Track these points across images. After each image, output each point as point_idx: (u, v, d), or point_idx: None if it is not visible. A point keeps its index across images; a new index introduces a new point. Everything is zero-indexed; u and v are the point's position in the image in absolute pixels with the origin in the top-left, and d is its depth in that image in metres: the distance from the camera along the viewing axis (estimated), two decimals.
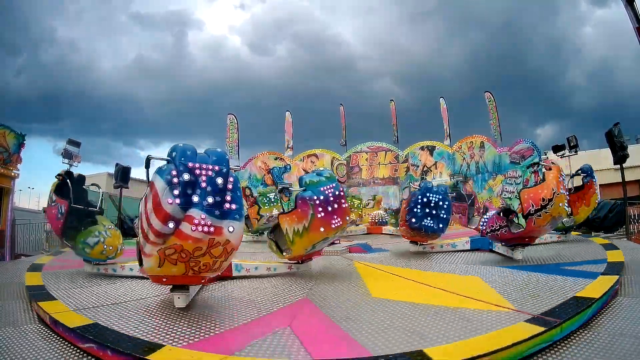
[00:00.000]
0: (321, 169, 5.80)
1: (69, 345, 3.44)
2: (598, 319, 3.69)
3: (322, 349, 3.08)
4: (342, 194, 5.66)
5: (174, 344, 3.17)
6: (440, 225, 7.55)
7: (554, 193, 5.86)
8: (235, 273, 5.94)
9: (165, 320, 3.83)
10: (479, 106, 18.62)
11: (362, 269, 6.55)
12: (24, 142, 9.73)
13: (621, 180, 12.80)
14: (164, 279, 4.11)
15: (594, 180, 8.92)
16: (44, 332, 3.78)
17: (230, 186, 3.86)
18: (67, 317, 3.80)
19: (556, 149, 15.96)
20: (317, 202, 5.35)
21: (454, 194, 15.68)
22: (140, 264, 4.13)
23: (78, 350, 3.32)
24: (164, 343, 3.16)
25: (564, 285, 4.61)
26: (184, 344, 3.19)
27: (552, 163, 6.56)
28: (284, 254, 6.10)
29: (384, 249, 9.19)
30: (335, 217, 5.44)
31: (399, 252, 8.35)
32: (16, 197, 11.87)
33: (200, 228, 3.58)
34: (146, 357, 2.86)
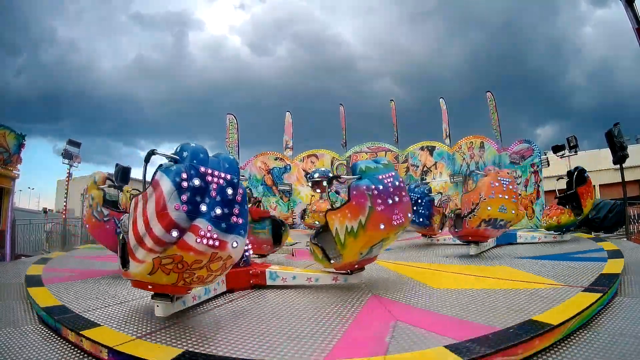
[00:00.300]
0: (377, 157, 5.06)
1: (70, 345, 3.44)
2: (598, 318, 3.70)
3: (457, 332, 3.20)
4: (402, 185, 4.75)
5: None
6: (421, 219, 9.26)
7: (481, 198, 6.81)
8: (269, 282, 5.34)
9: (267, 340, 3.33)
10: (479, 106, 18.64)
11: (391, 267, 6.68)
12: (24, 142, 9.73)
13: (621, 180, 12.82)
14: (150, 286, 3.68)
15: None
16: (45, 333, 3.78)
17: (239, 198, 3.56)
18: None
19: (556, 149, 15.98)
20: (376, 192, 4.42)
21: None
22: (123, 265, 3.68)
23: (79, 351, 3.32)
24: None
25: (585, 267, 5.59)
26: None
27: (490, 170, 7.35)
28: (332, 262, 4.95)
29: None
30: (397, 211, 4.54)
31: (400, 249, 8.89)
32: (16, 197, 11.88)
33: (205, 240, 3.25)
34: None
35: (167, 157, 3.39)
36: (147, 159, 3.44)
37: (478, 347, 2.88)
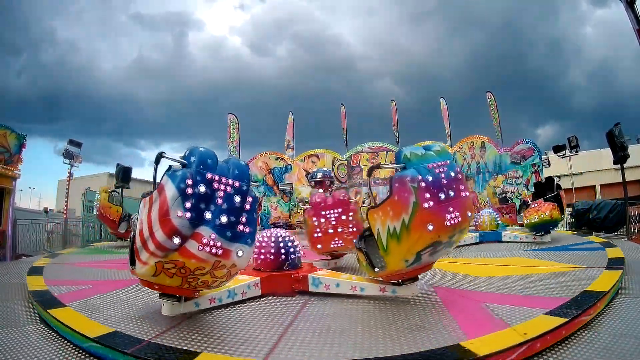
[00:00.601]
0: (429, 144, 4.03)
1: (71, 346, 3.45)
2: (599, 319, 3.70)
3: (541, 304, 3.88)
4: (460, 176, 3.80)
5: None
6: None
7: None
8: (311, 288, 4.86)
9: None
10: (480, 106, 18.63)
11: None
12: (25, 142, 9.74)
13: (622, 180, 12.81)
14: (156, 286, 3.65)
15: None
16: (46, 333, 3.78)
17: (247, 206, 3.46)
18: None
19: (557, 149, 16.00)
20: (424, 184, 3.54)
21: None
22: (131, 263, 3.66)
23: (80, 351, 3.32)
24: None
25: (591, 254, 6.40)
26: None
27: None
28: (376, 269, 4.25)
29: None
30: (451, 209, 3.60)
31: None
32: (17, 197, 11.89)
33: (207, 249, 3.19)
34: None
35: (175, 161, 3.33)
36: (156, 161, 3.32)
37: (568, 311, 3.56)
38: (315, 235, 6.34)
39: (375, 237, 3.90)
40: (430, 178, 3.56)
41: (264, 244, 5.19)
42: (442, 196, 3.56)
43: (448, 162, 3.82)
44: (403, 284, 4.29)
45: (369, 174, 4.34)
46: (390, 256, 3.85)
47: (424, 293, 4.61)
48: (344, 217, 6.25)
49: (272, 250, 5.13)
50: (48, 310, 4.07)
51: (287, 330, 3.55)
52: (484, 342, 2.99)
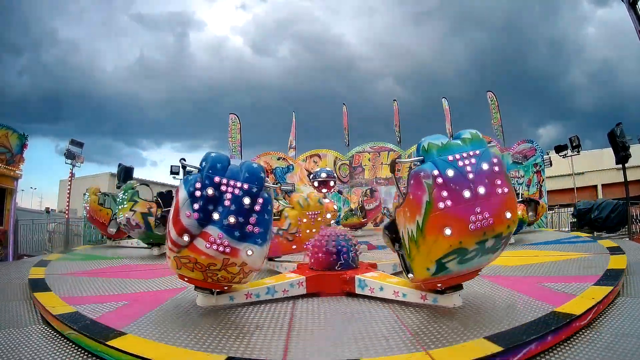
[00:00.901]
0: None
1: (72, 346, 3.44)
2: (601, 318, 3.69)
3: (579, 280, 4.67)
4: (497, 169, 3.21)
5: None
6: None
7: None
8: (358, 290, 4.63)
9: None
10: (482, 106, 18.60)
11: None
12: (27, 142, 9.76)
13: (623, 180, 12.79)
14: (185, 279, 3.97)
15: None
16: (48, 333, 3.78)
17: (257, 207, 3.55)
18: None
19: (558, 149, 15.97)
20: (440, 180, 3.11)
21: None
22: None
23: (81, 351, 3.32)
24: None
25: (588, 245, 7.30)
26: None
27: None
28: (409, 275, 3.88)
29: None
30: (479, 210, 3.08)
31: None
32: (19, 197, 11.92)
33: (215, 247, 3.41)
34: None
35: (192, 167, 3.61)
36: (183, 167, 3.60)
37: (608, 282, 4.46)
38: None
39: (402, 239, 3.60)
40: (450, 173, 3.09)
41: (317, 243, 5.18)
42: (467, 194, 3.06)
43: (479, 151, 3.23)
44: (445, 292, 3.84)
45: (392, 169, 4.10)
46: (413, 262, 3.55)
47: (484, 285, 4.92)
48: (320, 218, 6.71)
49: (324, 249, 5.04)
50: (108, 343, 3.14)
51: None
52: (570, 307, 3.62)
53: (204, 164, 3.55)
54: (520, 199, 9.94)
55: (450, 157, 3.20)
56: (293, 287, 4.68)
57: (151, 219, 8.82)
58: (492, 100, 17.97)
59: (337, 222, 16.28)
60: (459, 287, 3.84)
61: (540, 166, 15.36)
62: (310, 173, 18.21)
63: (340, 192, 16.28)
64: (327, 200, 11.27)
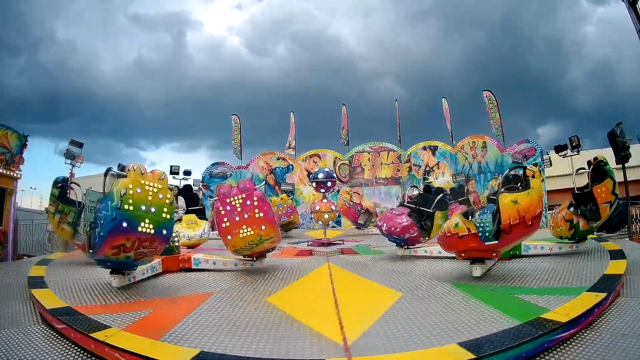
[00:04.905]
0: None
1: (73, 345, 3.45)
2: (601, 318, 3.69)
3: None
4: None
5: None
6: None
7: None
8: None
9: None
10: (482, 105, 18.56)
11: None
12: (27, 142, 9.76)
13: (623, 180, 12.78)
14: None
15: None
16: (48, 333, 3.79)
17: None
18: None
19: (558, 148, 15.94)
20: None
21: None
22: None
23: (82, 351, 3.33)
24: None
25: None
26: None
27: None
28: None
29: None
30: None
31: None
32: (18, 197, 11.90)
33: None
34: None
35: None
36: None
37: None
38: (224, 224, 6.03)
39: None
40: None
41: None
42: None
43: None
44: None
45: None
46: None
47: None
48: (248, 202, 5.92)
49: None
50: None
51: None
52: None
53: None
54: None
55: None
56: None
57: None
58: (489, 100, 17.94)
59: (338, 223, 16.34)
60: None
61: (540, 166, 15.35)
62: (310, 173, 18.23)
63: (340, 192, 16.28)
64: (325, 201, 11.31)
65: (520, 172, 5.58)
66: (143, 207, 4.77)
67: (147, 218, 4.80)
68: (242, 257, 6.61)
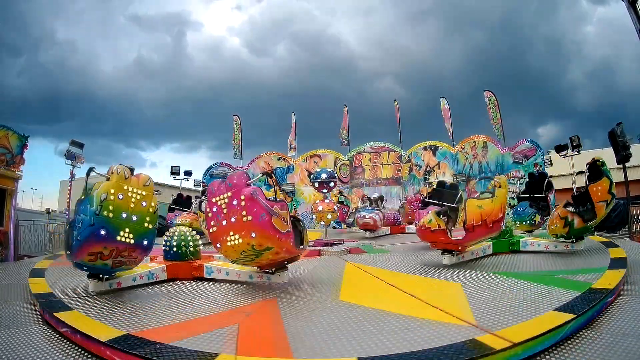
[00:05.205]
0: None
1: (73, 346, 3.45)
2: (601, 318, 3.69)
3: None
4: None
5: None
6: None
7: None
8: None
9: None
10: (483, 105, 18.57)
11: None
12: (27, 143, 9.76)
13: (624, 180, 12.78)
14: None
15: None
16: (48, 334, 3.79)
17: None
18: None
19: (559, 148, 15.95)
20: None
21: None
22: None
23: (82, 351, 3.33)
24: None
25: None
26: None
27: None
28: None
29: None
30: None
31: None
32: (19, 198, 11.92)
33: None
34: None
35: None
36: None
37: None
38: (211, 229, 4.87)
39: None
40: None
41: None
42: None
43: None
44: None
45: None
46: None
47: None
48: (234, 202, 4.56)
49: None
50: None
51: None
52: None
53: None
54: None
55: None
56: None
57: None
58: (490, 100, 17.94)
59: (338, 223, 16.32)
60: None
61: (541, 166, 15.36)
62: (310, 173, 18.24)
63: (340, 192, 16.29)
64: (327, 201, 11.31)
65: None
66: (124, 215, 4.49)
67: (128, 227, 4.51)
68: (257, 269, 5.47)
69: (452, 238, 6.20)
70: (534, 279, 5.15)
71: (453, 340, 3.06)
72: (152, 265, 5.94)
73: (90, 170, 4.69)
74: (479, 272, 5.87)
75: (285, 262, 5.35)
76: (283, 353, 3.10)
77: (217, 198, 4.71)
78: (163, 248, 6.26)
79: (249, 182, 4.63)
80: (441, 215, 6.25)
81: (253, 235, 4.41)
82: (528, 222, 8.91)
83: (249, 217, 4.40)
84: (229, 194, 4.61)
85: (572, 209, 6.74)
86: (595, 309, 3.71)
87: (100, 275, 4.97)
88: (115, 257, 4.59)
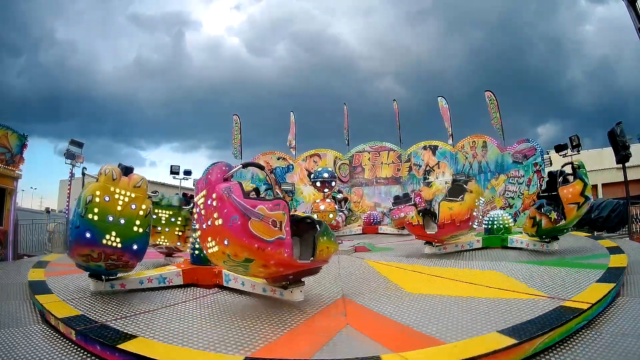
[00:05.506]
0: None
1: (73, 345, 3.45)
2: (601, 318, 3.69)
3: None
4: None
5: None
6: None
7: None
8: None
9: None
10: (482, 105, 18.54)
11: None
12: (27, 142, 9.76)
13: (624, 180, 12.79)
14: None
15: None
16: (48, 333, 3.79)
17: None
18: None
19: (558, 148, 15.94)
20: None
21: None
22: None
23: (83, 350, 3.33)
24: None
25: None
26: None
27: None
28: None
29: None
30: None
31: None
32: (19, 197, 11.91)
33: None
34: None
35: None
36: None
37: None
38: (197, 233, 4.35)
39: None
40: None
41: None
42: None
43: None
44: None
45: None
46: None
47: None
48: (209, 201, 3.76)
49: None
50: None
51: None
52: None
53: None
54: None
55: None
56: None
57: None
58: (490, 100, 17.93)
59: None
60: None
61: (540, 165, 15.36)
62: (310, 173, 18.22)
63: (340, 191, 16.29)
64: (329, 200, 11.33)
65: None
66: (110, 218, 4.30)
67: (114, 230, 4.32)
68: (269, 282, 4.61)
69: (428, 232, 7.51)
70: (557, 264, 6.02)
71: (544, 310, 3.60)
72: (171, 268, 5.68)
73: (84, 170, 4.58)
74: (501, 262, 6.59)
75: (291, 277, 4.31)
76: (430, 342, 3.11)
77: (197, 197, 4.03)
78: (189, 251, 6.05)
79: (226, 176, 3.77)
80: (421, 214, 7.66)
81: (226, 242, 3.63)
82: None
83: (220, 221, 3.63)
84: (205, 192, 3.87)
85: (541, 210, 7.03)
86: (621, 279, 4.66)
87: (102, 276, 4.88)
88: (106, 260, 4.45)
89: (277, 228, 3.64)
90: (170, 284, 5.41)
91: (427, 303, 4.26)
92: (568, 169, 7.09)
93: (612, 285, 4.25)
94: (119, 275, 5.03)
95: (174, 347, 3.17)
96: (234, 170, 3.67)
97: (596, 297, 3.83)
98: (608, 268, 5.08)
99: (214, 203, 3.67)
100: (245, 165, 4.48)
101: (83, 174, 4.71)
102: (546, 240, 7.14)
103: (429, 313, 3.88)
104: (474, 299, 4.32)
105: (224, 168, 3.79)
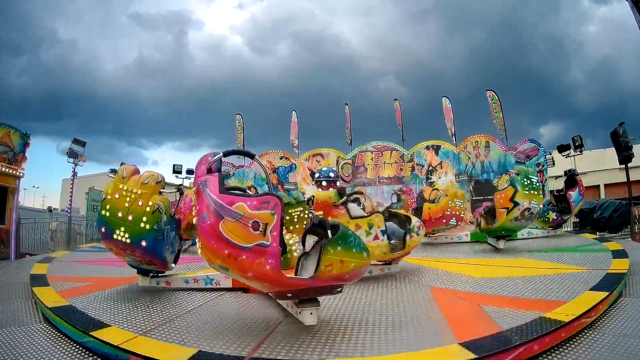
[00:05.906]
0: None
1: (73, 345, 3.45)
2: (602, 319, 3.68)
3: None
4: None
5: None
6: None
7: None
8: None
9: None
10: (485, 105, 18.54)
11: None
12: (29, 141, 9.77)
13: (626, 180, 12.76)
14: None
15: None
16: (49, 332, 3.79)
17: None
18: None
19: (561, 148, 15.93)
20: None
21: None
22: None
23: (83, 350, 3.33)
24: None
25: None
26: None
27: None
28: None
29: None
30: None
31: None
32: (21, 196, 11.93)
33: None
34: None
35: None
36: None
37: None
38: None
39: None
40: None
41: None
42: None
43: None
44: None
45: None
46: None
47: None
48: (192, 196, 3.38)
49: None
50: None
51: None
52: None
53: None
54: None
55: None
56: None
57: None
58: (492, 99, 17.91)
59: None
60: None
61: (543, 166, 15.33)
62: (313, 172, 18.21)
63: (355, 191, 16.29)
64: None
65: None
66: (119, 214, 4.37)
67: (123, 226, 4.36)
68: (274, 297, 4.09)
69: None
70: (567, 250, 7.30)
71: (597, 279, 4.58)
72: None
73: (112, 170, 4.83)
74: (523, 254, 7.44)
75: (289, 295, 3.33)
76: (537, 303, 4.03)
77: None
78: None
79: (208, 165, 3.21)
80: (413, 212, 8.67)
81: (199, 245, 3.14)
82: (541, 219, 9.79)
83: (195, 219, 3.13)
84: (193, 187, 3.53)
85: (481, 213, 8.33)
86: (619, 286, 4.50)
87: (149, 272, 5.09)
88: (125, 255, 4.62)
89: (258, 232, 2.92)
90: (218, 286, 5.18)
91: (502, 283, 5.06)
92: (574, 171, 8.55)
93: (627, 260, 5.10)
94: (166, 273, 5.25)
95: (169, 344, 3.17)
96: (215, 158, 3.19)
97: (624, 268, 5.00)
98: (606, 274, 4.90)
99: (193, 198, 3.19)
100: (226, 154, 3.43)
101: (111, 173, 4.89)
102: (495, 238, 7.99)
103: (513, 287, 4.77)
104: (532, 277, 5.27)
105: (209, 158, 3.25)
